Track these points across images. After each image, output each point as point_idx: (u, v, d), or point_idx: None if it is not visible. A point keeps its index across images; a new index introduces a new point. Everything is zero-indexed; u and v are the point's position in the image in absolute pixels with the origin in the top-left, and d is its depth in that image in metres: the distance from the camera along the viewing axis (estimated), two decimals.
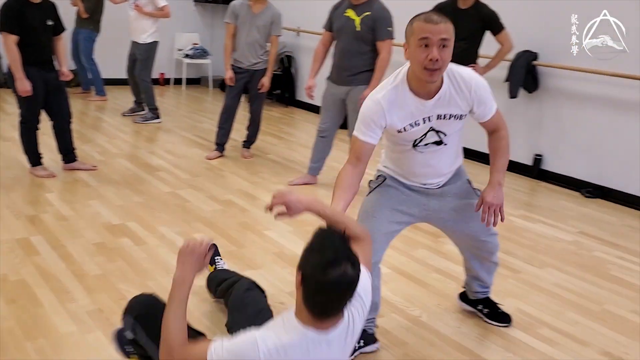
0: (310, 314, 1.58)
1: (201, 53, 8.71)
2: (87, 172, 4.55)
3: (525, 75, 5.21)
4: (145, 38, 6.11)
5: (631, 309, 3.08)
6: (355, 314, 1.70)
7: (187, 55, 8.63)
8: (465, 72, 2.25)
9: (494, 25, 4.53)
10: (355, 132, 2.25)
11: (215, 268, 2.85)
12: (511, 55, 5.08)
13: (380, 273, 2.50)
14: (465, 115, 2.29)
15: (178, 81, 8.90)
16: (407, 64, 2.22)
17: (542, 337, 2.73)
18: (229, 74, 5.06)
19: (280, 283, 3.05)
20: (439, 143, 2.32)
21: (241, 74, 5.09)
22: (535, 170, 5.40)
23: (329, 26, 4.37)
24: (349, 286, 1.57)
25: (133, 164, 4.90)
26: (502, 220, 2.41)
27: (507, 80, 5.28)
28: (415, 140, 2.30)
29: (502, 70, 5.19)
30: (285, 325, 1.61)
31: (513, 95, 5.25)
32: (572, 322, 2.89)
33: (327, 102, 4.46)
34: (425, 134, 2.29)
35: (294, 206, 1.94)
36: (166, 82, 8.86)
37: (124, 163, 4.91)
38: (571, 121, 5.17)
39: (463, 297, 2.94)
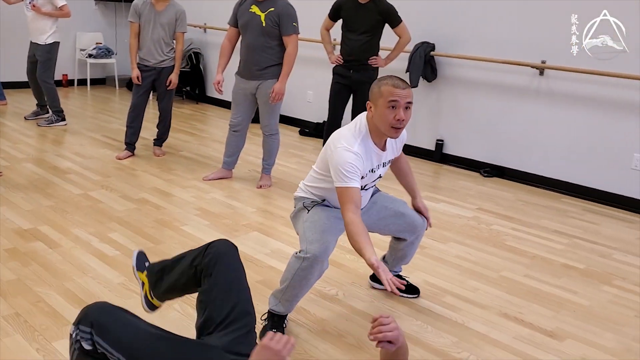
0: None
1: (105, 52, 8.51)
2: None
3: (424, 65, 5.52)
4: (45, 39, 5.93)
5: (524, 273, 3.40)
6: None
7: (90, 55, 8.41)
8: None
9: (392, 18, 4.77)
10: (344, 183, 2.37)
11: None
12: (410, 47, 5.36)
13: None
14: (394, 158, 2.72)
15: (82, 82, 8.65)
16: (363, 117, 2.52)
17: (447, 305, 2.98)
18: (135, 73, 5.03)
19: None
20: (373, 186, 2.69)
21: (148, 72, 5.07)
22: (437, 155, 5.74)
23: (234, 22, 4.45)
24: None
25: (40, 167, 4.78)
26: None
27: (407, 70, 5.57)
28: (364, 186, 2.57)
29: (402, 61, 5.47)
30: None
31: (414, 84, 5.54)
32: (473, 289, 3.16)
33: (237, 96, 4.55)
34: (374, 180, 2.62)
35: (400, 340, 1.85)
36: (70, 83, 8.60)
37: (31, 167, 4.77)
38: (468, 107, 5.53)
39: (374, 277, 3.14)
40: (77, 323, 1.77)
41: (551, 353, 2.61)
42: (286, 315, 2.65)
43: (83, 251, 3.32)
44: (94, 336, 1.74)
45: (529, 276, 3.37)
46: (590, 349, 2.67)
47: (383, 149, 2.55)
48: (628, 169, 4.67)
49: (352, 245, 2.30)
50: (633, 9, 4.44)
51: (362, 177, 2.48)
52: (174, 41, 5.11)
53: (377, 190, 2.87)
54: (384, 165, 2.63)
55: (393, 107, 2.37)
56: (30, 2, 5.87)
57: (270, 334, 1.67)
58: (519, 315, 2.93)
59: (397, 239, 2.90)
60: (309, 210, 2.62)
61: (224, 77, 4.55)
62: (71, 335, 1.79)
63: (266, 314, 2.65)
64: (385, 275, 2.11)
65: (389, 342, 1.81)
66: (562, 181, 5.02)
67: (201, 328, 1.96)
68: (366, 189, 2.63)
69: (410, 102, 2.40)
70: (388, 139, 2.56)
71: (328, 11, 5.00)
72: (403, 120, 2.39)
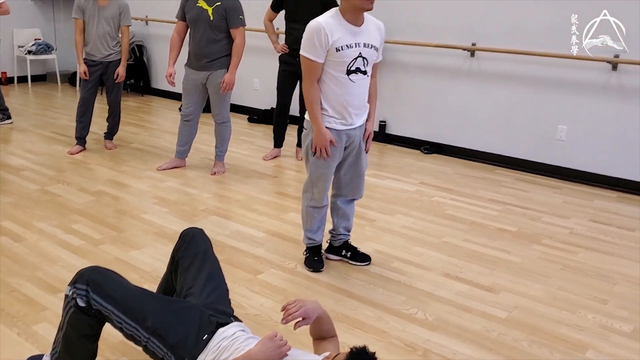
0: None
1: (45, 48, 8.41)
2: None
3: None
4: None
5: (464, 238, 3.74)
6: None
7: (29, 52, 8.30)
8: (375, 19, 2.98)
9: (333, 6, 4.99)
10: (307, 55, 2.78)
11: None
12: None
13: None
14: (378, 48, 2.92)
15: (22, 79, 8.54)
16: (334, 9, 2.84)
17: (395, 269, 3.28)
18: (82, 68, 5.10)
19: (164, 258, 3.26)
20: (364, 73, 2.90)
21: (95, 67, 5.15)
22: (381, 135, 6.06)
23: (182, 16, 4.59)
24: None
25: None
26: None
27: None
28: (349, 65, 2.83)
29: None
30: None
31: None
32: (418, 254, 3.48)
33: (188, 87, 4.70)
34: (356, 59, 2.84)
35: (312, 314, 2.07)
36: (9, 81, 8.47)
37: None
38: (407, 89, 5.86)
39: (329, 249, 3.41)
40: (73, 283, 2.00)
41: (488, 304, 2.95)
42: (321, 244, 3.27)
43: (49, 242, 3.45)
44: (89, 293, 1.96)
45: (468, 240, 3.72)
46: (522, 299, 3.02)
47: (358, 25, 2.81)
48: (553, 139, 5.10)
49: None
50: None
51: (338, 50, 2.77)
52: (120, 35, 5.21)
53: (363, 147, 3.12)
54: (364, 46, 2.84)
55: None
56: None
57: (274, 332, 1.92)
58: (460, 274, 3.26)
59: (338, 195, 3.25)
60: (315, 152, 2.97)
61: (175, 70, 4.70)
62: (66, 295, 2.01)
63: (305, 250, 3.31)
64: None
65: (303, 319, 2.06)
66: (495, 154, 5.42)
67: (178, 292, 2.24)
68: (354, 69, 2.84)
69: None
70: (367, 23, 2.85)
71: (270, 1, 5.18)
72: None
